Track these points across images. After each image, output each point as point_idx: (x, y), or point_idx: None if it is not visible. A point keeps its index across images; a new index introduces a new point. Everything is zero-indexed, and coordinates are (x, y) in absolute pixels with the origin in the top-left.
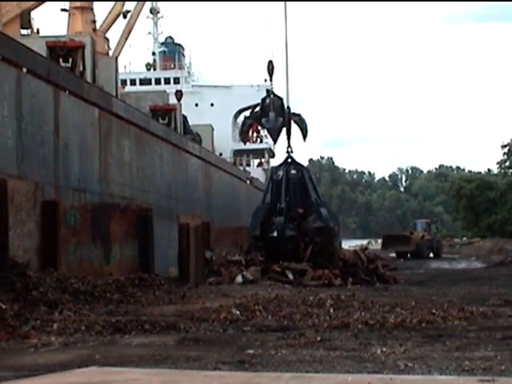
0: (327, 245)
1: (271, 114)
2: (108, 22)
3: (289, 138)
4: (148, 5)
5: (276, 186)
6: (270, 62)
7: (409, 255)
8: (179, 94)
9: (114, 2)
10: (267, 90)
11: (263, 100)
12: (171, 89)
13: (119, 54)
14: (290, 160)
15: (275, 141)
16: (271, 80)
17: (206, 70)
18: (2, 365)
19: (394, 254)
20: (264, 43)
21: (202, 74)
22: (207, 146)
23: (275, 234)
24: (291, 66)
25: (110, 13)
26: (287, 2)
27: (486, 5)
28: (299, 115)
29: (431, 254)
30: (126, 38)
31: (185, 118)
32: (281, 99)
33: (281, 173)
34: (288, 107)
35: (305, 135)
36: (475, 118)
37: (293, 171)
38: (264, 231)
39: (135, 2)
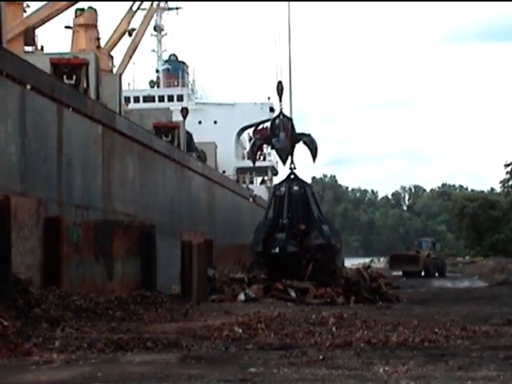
0: (329, 262)
1: (281, 135)
2: (113, 40)
3: (292, 154)
4: (152, 22)
5: (278, 201)
6: (280, 83)
7: (422, 273)
8: (185, 112)
9: (119, 21)
10: (280, 111)
11: (273, 120)
12: (175, 106)
13: (123, 71)
14: (292, 176)
15: (284, 162)
16: (280, 101)
17: (210, 87)
18: (4, 382)
19: (397, 273)
20: (269, 61)
21: (206, 91)
22: (210, 164)
23: (277, 250)
24: (295, 83)
25: (115, 30)
26: (291, 19)
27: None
28: (309, 135)
29: (436, 273)
30: (131, 56)
31: (190, 135)
32: (290, 119)
33: (283, 189)
34: (292, 125)
35: (314, 156)
36: (479, 137)
37: (295, 187)
38: (266, 247)
39: (140, 21)
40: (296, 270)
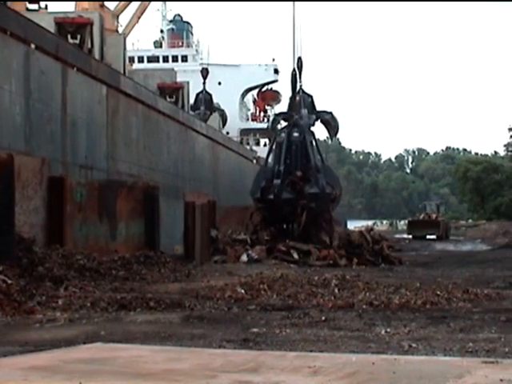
0: (323, 211)
1: (304, 111)
2: (125, 2)
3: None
4: None
5: (279, 148)
6: (299, 59)
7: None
8: (205, 72)
9: None
10: (300, 87)
11: (292, 98)
12: (179, 67)
13: (130, 32)
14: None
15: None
16: (300, 77)
17: (214, 48)
18: (7, 340)
19: (400, 236)
20: (274, 23)
21: (210, 52)
22: (214, 125)
23: (272, 196)
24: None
25: None
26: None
27: None
28: (331, 113)
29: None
30: (139, 18)
31: (210, 95)
32: (310, 96)
33: (284, 135)
34: (313, 101)
35: (335, 134)
36: (483, 101)
37: (295, 134)
38: (265, 193)
39: None
40: (291, 216)
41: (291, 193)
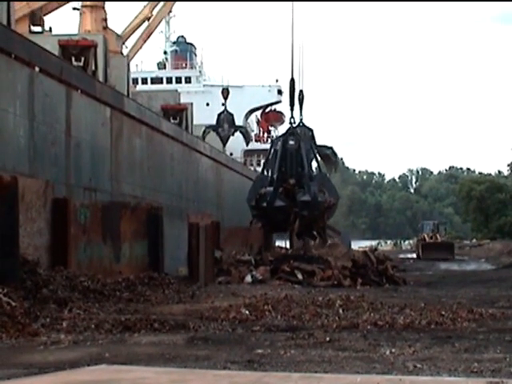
0: (317, 219)
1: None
2: (133, 26)
3: (292, 109)
4: (161, 4)
5: (274, 156)
6: (301, 92)
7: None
8: (226, 92)
9: (143, 6)
10: (300, 120)
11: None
12: (183, 88)
13: (134, 55)
14: (291, 131)
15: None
16: (301, 109)
17: (218, 69)
18: (11, 362)
19: (404, 255)
20: (278, 44)
21: (214, 73)
22: (218, 146)
23: (265, 204)
24: (307, 61)
25: (136, 17)
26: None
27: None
28: (331, 148)
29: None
30: (145, 41)
31: (231, 115)
32: (311, 130)
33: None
34: (313, 135)
35: (335, 169)
36: (486, 120)
37: (291, 142)
38: (259, 201)
39: (159, 6)
40: (284, 224)
41: (284, 200)
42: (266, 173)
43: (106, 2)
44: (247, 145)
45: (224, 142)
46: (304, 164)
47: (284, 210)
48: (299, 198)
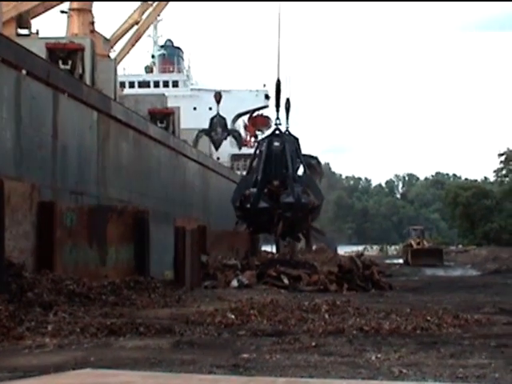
0: (301, 220)
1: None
2: (123, 29)
3: (277, 111)
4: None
5: (259, 157)
6: (288, 100)
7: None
8: (218, 96)
9: (132, 10)
10: (286, 129)
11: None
12: (170, 92)
13: (122, 58)
14: (277, 132)
15: None
16: (288, 118)
17: (205, 73)
18: None
19: (390, 261)
20: (265, 48)
21: (201, 77)
22: (204, 150)
23: (249, 205)
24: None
25: (125, 21)
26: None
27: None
28: (316, 158)
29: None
30: (133, 45)
31: (224, 118)
32: (296, 139)
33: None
34: (298, 144)
35: (320, 179)
36: (473, 126)
37: (276, 143)
38: (243, 202)
39: (149, 11)
40: (268, 225)
41: (268, 202)
42: (251, 174)
43: (96, 6)
44: (240, 148)
45: (217, 145)
46: (288, 165)
47: (267, 212)
48: (282, 199)
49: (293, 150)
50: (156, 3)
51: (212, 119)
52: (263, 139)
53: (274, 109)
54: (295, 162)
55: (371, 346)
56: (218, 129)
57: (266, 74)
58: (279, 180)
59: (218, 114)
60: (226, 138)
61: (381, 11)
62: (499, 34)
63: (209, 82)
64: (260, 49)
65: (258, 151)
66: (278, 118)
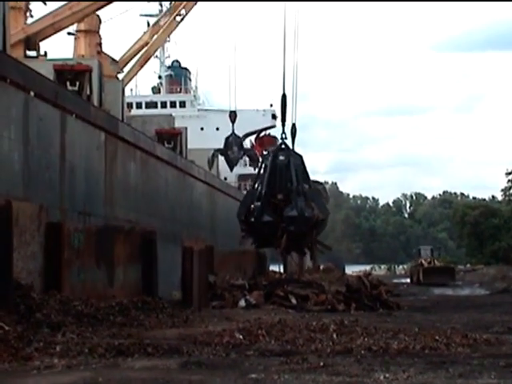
0: (306, 234)
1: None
2: (132, 52)
3: (283, 125)
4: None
5: (264, 171)
6: (294, 125)
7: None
8: (233, 115)
9: (143, 32)
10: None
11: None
12: (177, 112)
13: (130, 80)
14: (283, 146)
15: None
16: (293, 143)
17: (212, 93)
18: None
19: (398, 280)
20: (272, 68)
21: (208, 97)
22: (211, 171)
23: (253, 219)
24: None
25: (136, 43)
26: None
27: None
28: (322, 184)
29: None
30: (142, 66)
31: (239, 137)
32: (300, 157)
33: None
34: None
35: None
36: (481, 145)
37: (281, 157)
38: (248, 216)
39: (158, 33)
40: (272, 239)
41: (271, 215)
42: (256, 188)
43: (105, 28)
44: (255, 168)
45: (233, 164)
46: (293, 179)
47: (271, 225)
48: (286, 213)
49: (298, 164)
50: (166, 25)
51: (227, 138)
52: (268, 153)
53: (280, 123)
54: (300, 176)
55: (379, 365)
56: (234, 148)
57: (272, 93)
58: (283, 194)
59: (233, 132)
60: (242, 158)
61: (389, 14)
62: None
63: (216, 102)
64: (266, 68)
65: (263, 165)
66: (283, 133)
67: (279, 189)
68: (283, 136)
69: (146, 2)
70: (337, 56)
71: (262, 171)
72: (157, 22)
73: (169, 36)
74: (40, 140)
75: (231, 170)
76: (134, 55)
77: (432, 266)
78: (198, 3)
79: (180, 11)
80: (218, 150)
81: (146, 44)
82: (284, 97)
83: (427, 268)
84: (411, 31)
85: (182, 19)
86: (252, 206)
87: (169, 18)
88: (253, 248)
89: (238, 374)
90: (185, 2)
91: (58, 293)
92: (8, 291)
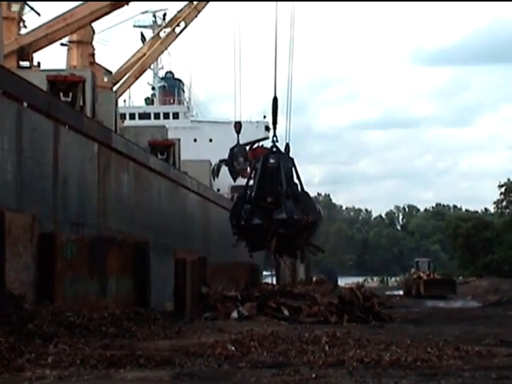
0: (295, 237)
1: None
2: (132, 62)
3: (274, 128)
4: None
5: (255, 174)
6: (287, 145)
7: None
8: (238, 126)
9: (141, 44)
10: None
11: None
12: (170, 124)
13: (124, 91)
14: (274, 149)
15: None
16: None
17: (206, 105)
18: None
19: (391, 292)
20: (264, 80)
21: (202, 108)
22: (205, 182)
23: (243, 222)
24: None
25: (134, 55)
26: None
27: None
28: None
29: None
30: (137, 78)
31: (245, 149)
32: (291, 159)
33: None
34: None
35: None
36: (473, 158)
37: (271, 160)
38: (239, 219)
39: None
40: (262, 242)
41: (261, 218)
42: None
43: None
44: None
45: (237, 175)
46: (283, 182)
47: (261, 228)
48: (275, 215)
49: (289, 167)
50: (163, 37)
51: (232, 149)
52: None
53: (271, 126)
54: (290, 179)
55: (371, 377)
56: (240, 159)
57: (264, 104)
58: (273, 196)
59: (238, 143)
60: (247, 168)
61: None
62: None
63: (209, 113)
64: (258, 79)
65: (253, 168)
66: (274, 136)
67: (269, 192)
68: (274, 139)
69: (140, 13)
70: (331, 67)
71: (252, 175)
72: (157, 34)
73: (167, 48)
74: (33, 151)
75: (234, 180)
76: (132, 67)
77: (433, 279)
78: (199, 16)
79: (179, 23)
80: (223, 161)
81: (144, 56)
82: (275, 100)
83: (428, 280)
84: (405, 44)
85: (181, 31)
86: (243, 209)
87: (169, 29)
88: (246, 258)
89: None
90: (185, 15)
91: (50, 304)
92: (0, 302)
